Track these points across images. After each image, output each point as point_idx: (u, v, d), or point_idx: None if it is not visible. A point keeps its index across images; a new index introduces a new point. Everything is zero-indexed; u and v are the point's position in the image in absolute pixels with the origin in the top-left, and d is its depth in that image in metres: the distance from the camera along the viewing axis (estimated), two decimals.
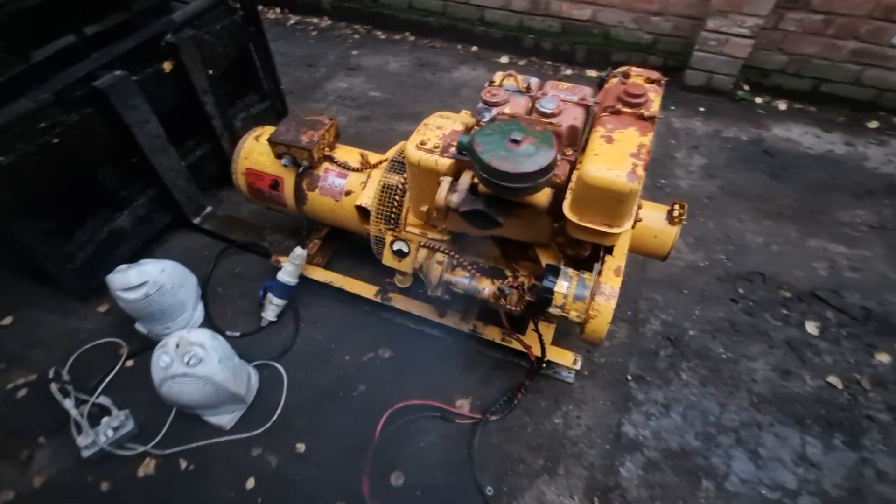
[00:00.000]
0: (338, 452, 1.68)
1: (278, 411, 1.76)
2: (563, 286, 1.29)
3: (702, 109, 2.91)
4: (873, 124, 2.76)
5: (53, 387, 1.80)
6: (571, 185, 1.23)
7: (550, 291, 1.30)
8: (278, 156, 1.78)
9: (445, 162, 1.33)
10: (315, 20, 3.92)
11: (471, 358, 1.89)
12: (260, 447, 1.69)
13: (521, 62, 3.38)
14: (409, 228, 1.61)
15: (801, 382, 1.81)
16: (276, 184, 1.87)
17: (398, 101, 3.12)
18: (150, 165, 2.05)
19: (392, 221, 1.65)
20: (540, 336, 1.68)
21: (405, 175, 1.64)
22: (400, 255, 1.55)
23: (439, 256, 1.57)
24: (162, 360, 1.57)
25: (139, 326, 1.97)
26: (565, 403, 1.77)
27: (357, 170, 1.77)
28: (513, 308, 1.46)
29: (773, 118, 2.84)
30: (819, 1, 2.48)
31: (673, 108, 2.93)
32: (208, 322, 2.03)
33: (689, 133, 2.79)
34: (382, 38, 3.71)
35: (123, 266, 1.81)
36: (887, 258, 2.18)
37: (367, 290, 1.99)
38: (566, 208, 1.21)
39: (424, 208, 1.49)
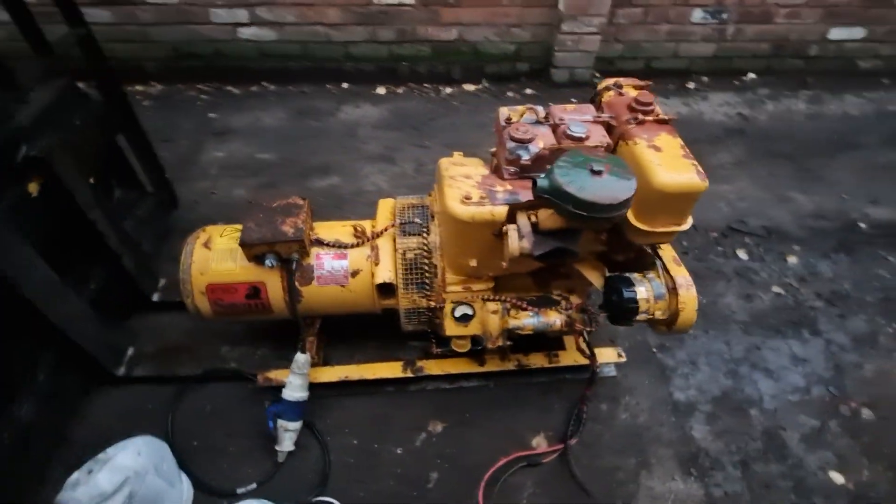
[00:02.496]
0: None
1: None
2: (643, 292, 1.34)
3: (574, 100, 3.28)
4: (691, 85, 3.47)
5: None
6: None
7: (635, 300, 1.33)
8: (256, 258, 1.46)
9: (502, 211, 1.25)
10: (141, 87, 3.28)
11: (520, 393, 1.83)
12: None
13: (400, 90, 3.36)
14: (449, 289, 1.48)
15: (760, 300, 2.20)
16: (255, 292, 1.53)
17: (296, 157, 2.82)
18: (45, 321, 1.48)
19: (427, 287, 1.49)
20: (589, 344, 1.72)
21: (424, 235, 1.50)
22: (465, 319, 1.41)
23: (491, 306, 1.48)
24: None
25: None
26: (621, 396, 1.84)
27: (355, 245, 1.55)
28: (587, 329, 1.46)
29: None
30: None
31: (552, 103, 3.24)
32: (203, 490, 1.57)
33: None
34: (238, 93, 3.29)
35: (77, 475, 1.29)
36: (754, 184, 2.77)
37: (391, 370, 1.77)
38: (633, 219, 1.26)
39: (474, 262, 1.39)
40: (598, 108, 1.46)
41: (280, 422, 1.61)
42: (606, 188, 1.10)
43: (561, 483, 1.62)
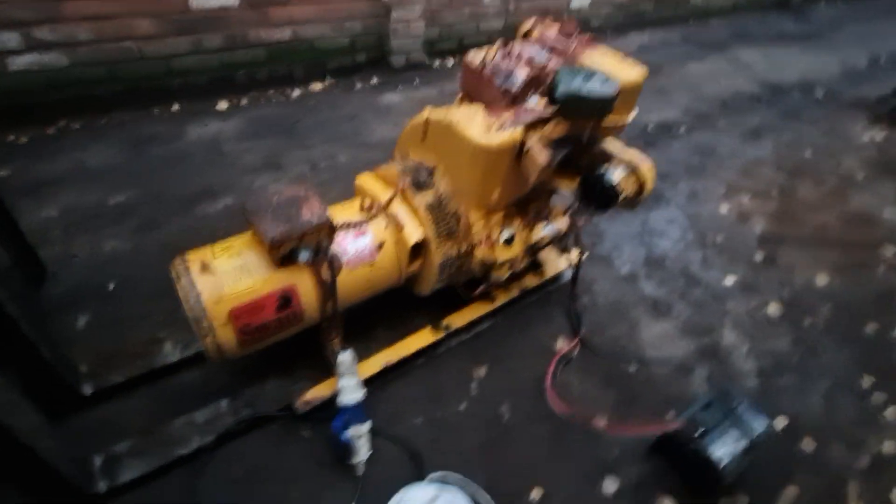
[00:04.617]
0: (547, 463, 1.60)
1: None
2: (617, 175, 1.68)
3: (417, 81, 3.55)
4: None
5: None
6: None
7: (615, 184, 1.67)
8: (287, 257, 1.29)
9: (520, 132, 1.42)
10: None
11: (525, 314, 2.04)
12: None
13: (244, 101, 3.07)
14: (473, 228, 1.57)
15: None
16: (286, 301, 1.34)
17: (163, 189, 2.36)
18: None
19: (454, 233, 1.55)
20: (567, 251, 2.02)
21: (434, 188, 1.55)
22: (510, 241, 1.53)
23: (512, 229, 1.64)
24: None
25: None
26: (591, 287, 2.21)
27: (371, 219, 1.50)
28: (587, 223, 1.74)
29: (454, 71, 3.79)
30: None
31: (400, 87, 3.45)
32: None
33: (425, 100, 3.40)
34: (26, 140, 2.51)
35: None
36: None
37: (424, 338, 1.76)
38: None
39: (496, 193, 1.52)
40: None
41: (351, 429, 1.46)
42: (606, 84, 1.38)
43: (593, 364, 1.90)
